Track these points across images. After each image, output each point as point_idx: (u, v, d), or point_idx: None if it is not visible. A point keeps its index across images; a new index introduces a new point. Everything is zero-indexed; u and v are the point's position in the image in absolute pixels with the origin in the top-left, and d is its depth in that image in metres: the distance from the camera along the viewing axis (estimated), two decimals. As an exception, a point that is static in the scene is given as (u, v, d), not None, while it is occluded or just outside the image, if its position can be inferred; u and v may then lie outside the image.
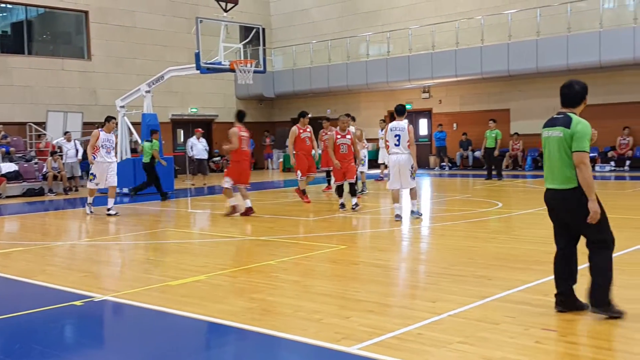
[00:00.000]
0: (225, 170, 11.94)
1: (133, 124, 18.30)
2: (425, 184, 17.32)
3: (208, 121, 27.92)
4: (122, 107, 18.09)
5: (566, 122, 4.64)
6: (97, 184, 12.29)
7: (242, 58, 17.73)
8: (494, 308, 4.99)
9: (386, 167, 18.10)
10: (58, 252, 8.63)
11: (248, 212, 11.30)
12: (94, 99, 23.45)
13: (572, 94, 4.75)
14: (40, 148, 20.02)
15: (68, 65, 23.09)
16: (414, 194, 10.44)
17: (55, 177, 18.00)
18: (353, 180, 11.86)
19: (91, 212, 12.38)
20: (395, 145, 10.20)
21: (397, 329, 4.50)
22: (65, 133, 19.77)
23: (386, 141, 10.49)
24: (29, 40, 22.71)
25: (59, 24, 24.28)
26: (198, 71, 16.79)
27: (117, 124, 14.59)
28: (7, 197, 16.90)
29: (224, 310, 5.16)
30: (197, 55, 16.43)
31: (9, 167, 17.81)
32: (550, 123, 4.78)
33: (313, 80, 25.91)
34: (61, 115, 21.43)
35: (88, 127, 22.42)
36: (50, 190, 17.83)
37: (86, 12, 23.54)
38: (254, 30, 18.02)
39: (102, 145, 12.15)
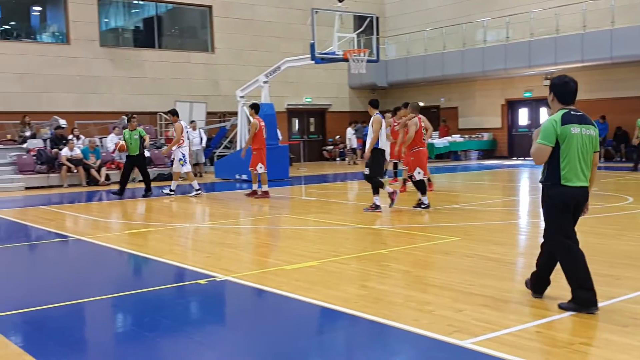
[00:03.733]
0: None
1: (251, 113, 18.96)
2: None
3: (322, 110, 28.36)
4: (242, 97, 18.80)
5: (592, 122, 4.75)
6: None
7: (355, 47, 17.82)
8: (622, 309, 4.72)
9: None
10: (184, 234, 9.20)
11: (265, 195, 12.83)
12: (217, 90, 24.54)
13: (576, 90, 4.75)
14: (168, 136, 21.27)
15: (194, 58, 24.33)
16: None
17: (182, 163, 19.05)
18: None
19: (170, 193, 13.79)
20: None
21: (513, 325, 4.39)
22: (191, 122, 20.86)
23: None
24: (159, 35, 24.17)
25: (186, 19, 25.61)
26: (313, 61, 17.10)
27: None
28: (139, 181, 18.10)
29: (336, 296, 5.28)
30: (312, 46, 16.72)
31: (142, 153, 19.09)
32: (580, 120, 4.69)
33: (427, 68, 25.50)
34: (187, 105, 22.62)
35: (211, 116, 23.57)
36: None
37: (210, 7, 24.65)
38: (368, 19, 18.03)
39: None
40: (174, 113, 14.17)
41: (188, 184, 14.41)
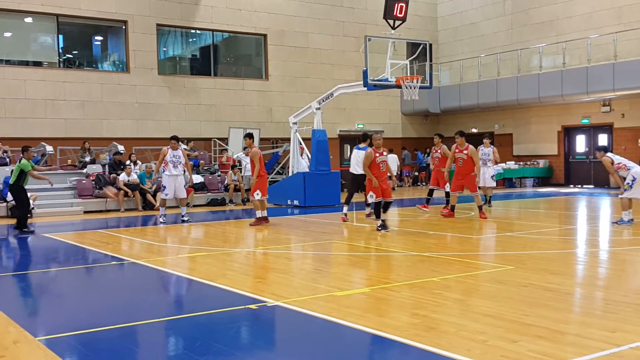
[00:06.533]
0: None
1: (304, 139, 19.16)
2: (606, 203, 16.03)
3: (374, 137, 28.35)
4: (295, 123, 19.03)
5: None
6: (166, 194, 13.87)
7: (408, 74, 17.83)
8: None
9: None
10: (236, 258, 9.29)
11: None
12: (270, 116, 24.92)
13: None
14: (222, 162, 21.72)
15: (248, 85, 24.81)
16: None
17: (235, 189, 19.40)
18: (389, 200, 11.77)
19: (164, 221, 13.75)
20: None
21: (570, 357, 4.25)
22: (244, 148, 21.16)
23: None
24: (214, 63, 24.80)
25: (241, 47, 26.21)
26: (365, 88, 17.18)
27: (183, 142, 15.06)
28: (194, 205, 18.51)
29: (387, 323, 5.23)
30: (365, 73, 16.82)
31: (196, 178, 19.53)
32: None
33: (480, 94, 25.30)
34: (241, 132, 22.98)
35: (264, 142, 23.91)
36: (231, 201, 19.23)
37: (265, 35, 25.17)
38: (421, 46, 18.03)
39: (170, 161, 13.66)
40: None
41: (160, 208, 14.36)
